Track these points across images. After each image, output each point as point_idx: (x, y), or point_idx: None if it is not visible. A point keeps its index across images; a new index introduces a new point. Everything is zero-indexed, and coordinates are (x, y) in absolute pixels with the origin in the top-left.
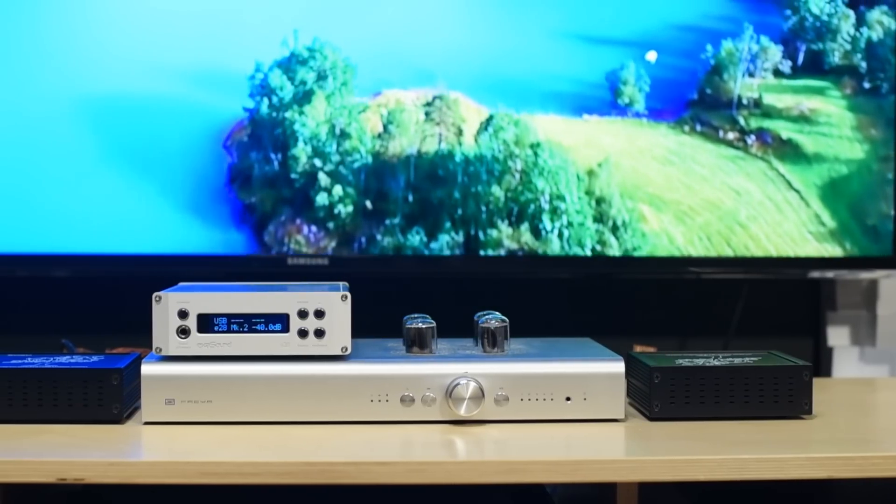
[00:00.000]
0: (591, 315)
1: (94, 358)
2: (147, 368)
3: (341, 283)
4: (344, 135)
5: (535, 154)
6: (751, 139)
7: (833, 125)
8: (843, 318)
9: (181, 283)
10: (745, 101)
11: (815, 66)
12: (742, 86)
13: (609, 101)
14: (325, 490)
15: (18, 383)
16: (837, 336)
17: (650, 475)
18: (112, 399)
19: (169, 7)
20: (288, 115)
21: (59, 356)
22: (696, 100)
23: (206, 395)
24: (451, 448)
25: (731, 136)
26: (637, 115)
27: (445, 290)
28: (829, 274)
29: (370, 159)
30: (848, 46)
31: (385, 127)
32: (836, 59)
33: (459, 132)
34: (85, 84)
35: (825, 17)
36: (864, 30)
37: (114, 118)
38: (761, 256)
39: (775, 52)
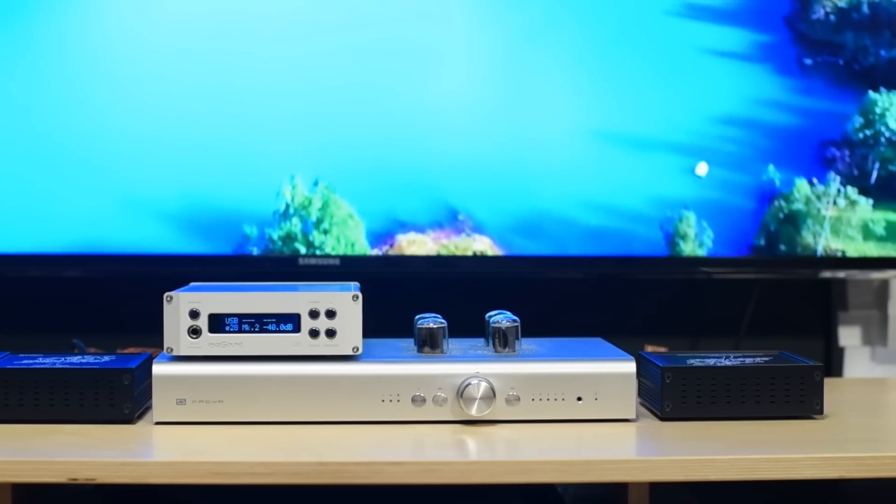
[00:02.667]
0: (602, 315)
1: (106, 358)
2: (158, 368)
3: (352, 284)
4: None
5: None
6: None
7: None
8: (855, 318)
9: (192, 283)
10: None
11: (892, 190)
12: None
13: (662, 247)
14: (336, 490)
15: (30, 383)
16: (849, 336)
17: (661, 475)
18: (123, 399)
19: (151, 138)
20: None
21: (70, 356)
22: (762, 247)
23: (218, 395)
24: (462, 448)
25: None
26: None
27: (457, 290)
28: (841, 274)
29: None
30: None
31: None
32: None
33: None
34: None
35: None
36: None
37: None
38: (772, 256)
39: (865, 208)
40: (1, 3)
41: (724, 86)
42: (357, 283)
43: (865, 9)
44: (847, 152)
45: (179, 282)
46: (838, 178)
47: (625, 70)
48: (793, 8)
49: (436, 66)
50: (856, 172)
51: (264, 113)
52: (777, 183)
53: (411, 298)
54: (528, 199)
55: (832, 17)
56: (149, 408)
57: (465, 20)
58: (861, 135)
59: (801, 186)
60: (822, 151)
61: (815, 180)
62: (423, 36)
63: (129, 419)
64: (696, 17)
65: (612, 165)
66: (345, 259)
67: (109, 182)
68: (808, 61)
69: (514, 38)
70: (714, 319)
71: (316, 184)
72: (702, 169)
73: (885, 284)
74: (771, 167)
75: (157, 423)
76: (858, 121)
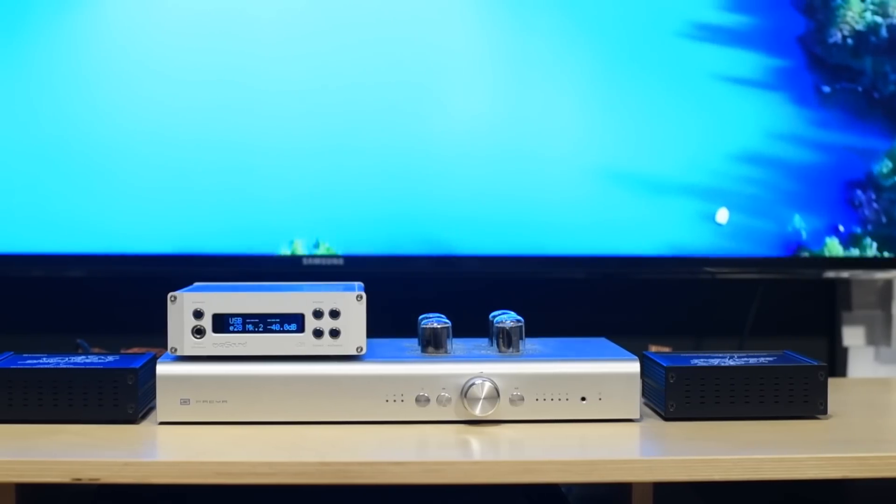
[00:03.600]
0: (606, 315)
1: (110, 358)
2: (162, 368)
3: (356, 283)
4: None
5: None
6: None
7: None
8: (859, 318)
9: (196, 283)
10: None
11: None
12: None
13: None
14: (339, 490)
15: (34, 383)
16: (852, 336)
17: (665, 475)
18: (127, 399)
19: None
20: None
21: (74, 356)
22: None
23: (222, 395)
24: (466, 448)
25: None
26: None
27: (460, 290)
28: (845, 274)
29: None
30: None
31: None
32: None
33: None
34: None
35: None
36: None
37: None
38: (776, 256)
39: None
40: (6, 2)
41: (740, 117)
42: (361, 283)
43: (884, 32)
44: (873, 195)
45: (183, 282)
46: (874, 244)
47: (636, 103)
48: (807, 28)
49: (438, 113)
50: (884, 220)
51: (261, 173)
52: (804, 235)
53: (415, 298)
54: (537, 253)
55: (849, 41)
56: (152, 408)
57: (469, 57)
58: (889, 181)
59: (833, 246)
60: (848, 194)
61: (841, 227)
62: (424, 82)
63: (132, 419)
64: (707, 39)
65: (626, 212)
66: (349, 259)
67: (113, 183)
68: (826, 88)
69: (520, 74)
70: (718, 319)
71: (316, 246)
72: (722, 216)
73: (888, 284)
74: (797, 217)
75: (161, 423)
76: (887, 165)
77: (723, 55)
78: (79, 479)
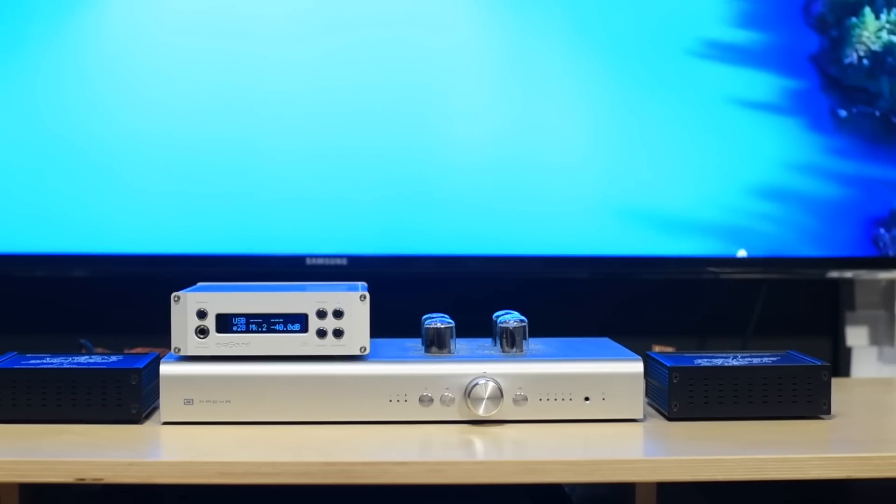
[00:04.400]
0: (609, 315)
1: (113, 358)
2: (166, 368)
3: (360, 283)
4: None
5: None
6: None
7: None
8: (862, 318)
9: (200, 283)
10: None
11: None
12: None
13: None
14: (343, 490)
15: (37, 383)
16: (856, 336)
17: (669, 475)
18: (131, 399)
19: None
20: None
21: (77, 356)
22: None
23: (225, 395)
24: (469, 448)
25: None
26: None
27: (464, 290)
28: (848, 274)
29: None
30: None
31: None
32: None
33: None
34: None
35: None
36: None
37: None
38: (780, 256)
39: None
40: (11, 3)
41: (755, 144)
42: (364, 283)
43: None
44: None
45: (187, 281)
46: None
47: (645, 121)
48: (820, 46)
49: (443, 114)
50: None
51: (265, 173)
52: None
53: (419, 298)
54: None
55: (865, 62)
56: (156, 408)
57: (476, 62)
58: None
59: None
60: (872, 232)
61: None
62: (429, 83)
63: (136, 419)
64: (717, 58)
65: (639, 251)
66: (352, 259)
67: (116, 183)
68: (843, 112)
69: (525, 79)
70: (721, 319)
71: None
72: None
73: (892, 284)
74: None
75: (165, 423)
76: None
77: (734, 75)
78: (82, 479)
